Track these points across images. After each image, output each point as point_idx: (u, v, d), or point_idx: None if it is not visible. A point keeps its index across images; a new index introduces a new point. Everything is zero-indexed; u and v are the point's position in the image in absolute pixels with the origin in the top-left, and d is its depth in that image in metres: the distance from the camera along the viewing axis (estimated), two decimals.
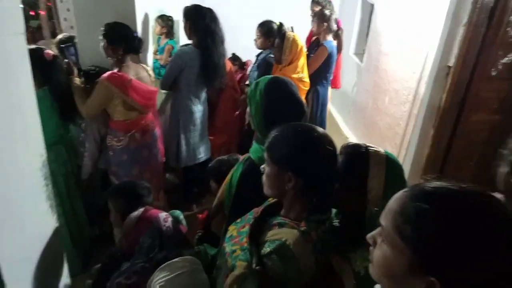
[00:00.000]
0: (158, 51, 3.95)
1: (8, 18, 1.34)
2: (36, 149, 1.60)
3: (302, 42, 3.21)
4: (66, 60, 2.42)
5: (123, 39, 2.38)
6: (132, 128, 2.54)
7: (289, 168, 1.16)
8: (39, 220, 1.70)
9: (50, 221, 1.77)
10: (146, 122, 2.62)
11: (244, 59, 4.11)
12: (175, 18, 3.94)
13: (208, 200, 3.50)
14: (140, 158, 2.63)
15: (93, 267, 2.22)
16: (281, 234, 1.16)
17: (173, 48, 3.91)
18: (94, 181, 2.77)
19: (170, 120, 3.08)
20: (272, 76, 1.61)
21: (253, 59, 3.61)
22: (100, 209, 2.85)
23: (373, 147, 1.24)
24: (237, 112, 3.49)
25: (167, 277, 1.34)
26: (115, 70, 2.40)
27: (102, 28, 2.37)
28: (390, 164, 1.21)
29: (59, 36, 2.80)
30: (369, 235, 0.82)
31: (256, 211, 1.34)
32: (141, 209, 1.79)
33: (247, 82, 3.58)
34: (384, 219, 0.76)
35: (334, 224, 1.31)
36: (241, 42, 3.76)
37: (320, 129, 1.22)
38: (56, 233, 1.80)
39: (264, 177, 1.25)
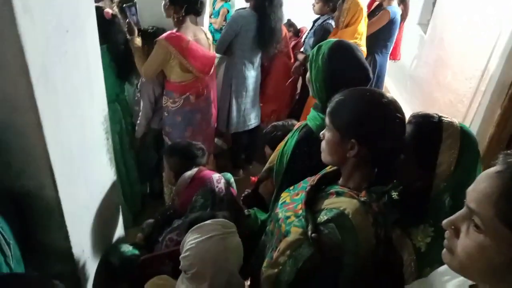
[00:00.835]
0: (213, 14, 3.90)
1: None
2: (99, 103, 1.65)
3: (363, 4, 3.02)
4: (128, 20, 2.44)
5: (185, 0, 2.36)
6: (187, 90, 2.56)
7: (353, 135, 1.09)
8: (100, 171, 1.77)
9: (109, 173, 1.84)
10: (201, 85, 2.63)
11: (299, 26, 3.97)
12: None
13: (255, 167, 3.53)
14: (193, 121, 2.66)
15: (144, 222, 2.31)
16: (340, 203, 1.12)
17: (228, 11, 3.85)
18: (147, 141, 2.84)
19: (223, 85, 3.07)
20: (336, 39, 1.53)
21: (308, 26, 3.49)
22: (151, 168, 2.96)
23: (446, 118, 1.15)
24: (289, 80, 3.41)
25: (197, 239, 1.32)
26: (174, 31, 2.40)
27: None
28: (465, 137, 1.12)
29: None
30: (446, 222, 0.72)
31: (312, 179, 1.30)
32: (195, 169, 1.82)
33: (301, 49, 3.47)
34: (477, 205, 0.66)
35: (393, 196, 1.26)
36: (296, 8, 3.63)
37: (389, 95, 1.14)
38: (114, 185, 1.87)
39: (323, 143, 1.20)
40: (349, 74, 1.41)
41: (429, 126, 1.14)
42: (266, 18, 2.78)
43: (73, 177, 1.50)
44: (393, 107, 1.09)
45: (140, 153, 2.86)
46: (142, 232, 2.12)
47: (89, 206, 1.72)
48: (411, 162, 1.16)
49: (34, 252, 1.49)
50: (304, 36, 3.57)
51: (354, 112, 1.10)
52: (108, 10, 2.38)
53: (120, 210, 2.05)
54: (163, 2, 2.39)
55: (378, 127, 1.08)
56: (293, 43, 3.70)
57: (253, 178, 2.10)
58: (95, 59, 1.54)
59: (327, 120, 1.18)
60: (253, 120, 3.27)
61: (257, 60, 3.06)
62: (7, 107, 1.23)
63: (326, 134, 1.19)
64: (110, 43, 2.38)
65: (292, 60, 3.48)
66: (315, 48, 1.50)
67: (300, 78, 3.45)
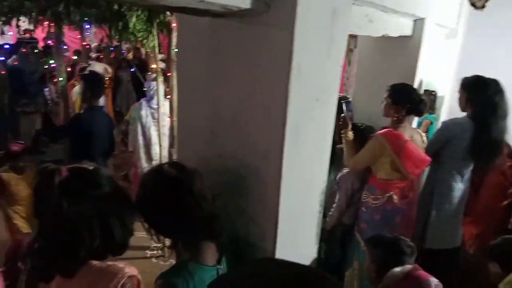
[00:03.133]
0: (416, 125, 3.85)
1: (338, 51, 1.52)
2: (322, 173, 1.67)
3: None
4: (343, 115, 2.59)
5: (408, 100, 2.38)
6: (392, 189, 2.45)
7: None
8: (306, 241, 1.73)
9: (312, 248, 1.77)
10: (407, 187, 2.49)
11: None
12: (439, 93, 3.81)
13: None
14: (392, 222, 2.48)
15: None
16: None
17: (431, 123, 3.73)
18: (334, 234, 2.76)
19: (423, 191, 2.85)
20: None
21: None
22: (333, 264, 2.80)
23: None
24: (504, 202, 2.95)
25: None
26: (391, 129, 2.41)
27: (388, 88, 2.43)
28: None
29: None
30: None
31: None
32: (409, 266, 1.61)
33: None
34: None
35: None
36: None
37: None
38: (313, 263, 1.79)
39: None
40: None
41: None
42: (487, 128, 2.55)
43: (289, 236, 1.51)
44: None
45: (324, 245, 2.77)
46: None
47: None
48: None
49: None
50: None
51: None
52: None
53: None
54: (384, 101, 2.45)
55: None
56: (507, 164, 3.28)
57: None
58: (330, 131, 1.62)
59: None
60: (452, 240, 2.85)
61: (468, 173, 2.76)
62: (258, 154, 1.36)
63: None
64: None
65: (508, 181, 3.05)
66: None
67: None
